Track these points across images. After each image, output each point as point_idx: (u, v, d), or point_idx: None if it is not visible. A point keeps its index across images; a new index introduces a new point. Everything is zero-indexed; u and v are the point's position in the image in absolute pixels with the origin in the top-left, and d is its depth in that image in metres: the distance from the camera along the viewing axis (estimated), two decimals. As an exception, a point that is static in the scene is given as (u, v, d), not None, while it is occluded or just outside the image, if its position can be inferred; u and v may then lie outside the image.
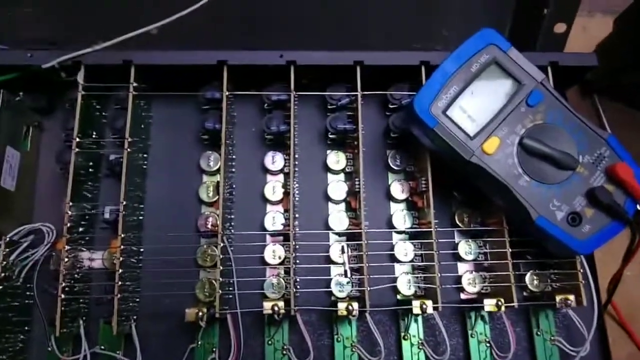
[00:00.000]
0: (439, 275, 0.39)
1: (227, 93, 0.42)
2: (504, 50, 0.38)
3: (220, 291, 0.38)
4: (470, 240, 0.44)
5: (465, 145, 0.37)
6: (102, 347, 0.40)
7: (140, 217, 0.43)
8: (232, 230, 0.43)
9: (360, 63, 0.43)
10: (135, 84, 0.41)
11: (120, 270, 0.38)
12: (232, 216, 0.44)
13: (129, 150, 0.40)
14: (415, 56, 0.43)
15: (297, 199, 0.43)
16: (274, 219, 0.44)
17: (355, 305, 0.39)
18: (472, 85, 0.38)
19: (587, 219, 0.37)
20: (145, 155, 0.45)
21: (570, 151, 0.37)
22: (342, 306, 0.39)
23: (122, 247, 0.38)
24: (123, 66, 0.42)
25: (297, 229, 0.41)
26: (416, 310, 0.39)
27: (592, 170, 0.37)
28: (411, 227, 0.44)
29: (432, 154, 0.42)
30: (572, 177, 0.37)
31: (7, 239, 0.38)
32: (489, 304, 0.40)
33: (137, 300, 0.41)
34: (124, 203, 0.39)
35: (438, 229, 0.41)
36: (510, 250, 0.40)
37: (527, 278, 0.43)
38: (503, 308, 0.39)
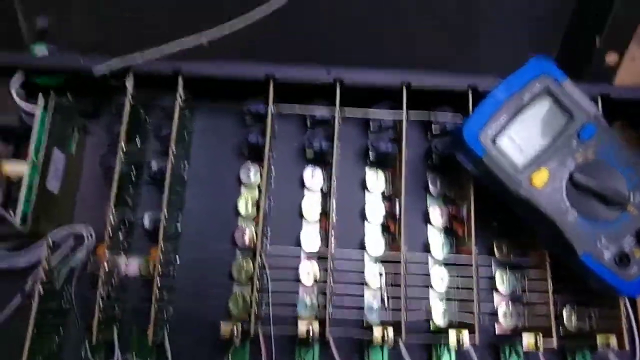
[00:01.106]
0: (479, 310, 0.39)
1: (272, 108, 0.42)
2: (557, 81, 0.37)
3: (256, 310, 0.38)
4: (508, 271, 0.43)
5: (514, 177, 0.36)
6: (135, 355, 0.40)
7: (178, 228, 0.43)
8: (268, 246, 0.43)
9: (408, 85, 0.42)
10: (182, 95, 0.42)
11: (158, 279, 0.38)
12: (269, 230, 0.44)
13: (173, 161, 0.40)
14: (463, 80, 0.43)
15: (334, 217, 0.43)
16: (310, 236, 0.43)
17: (390, 333, 0.38)
18: (522, 115, 0.37)
19: (636, 260, 0.36)
20: (186, 165, 0.45)
21: (621, 189, 0.36)
22: (377, 334, 0.38)
23: (161, 257, 0.38)
24: (172, 75, 0.42)
25: (334, 251, 0.41)
26: (452, 342, 0.38)
27: (644, 210, 0.36)
28: (450, 254, 0.43)
29: (475, 181, 0.41)
30: (622, 215, 0.36)
31: (51, 242, 0.39)
32: (527, 341, 0.39)
33: (171, 309, 0.42)
34: (166, 213, 0.39)
35: (479, 261, 0.40)
36: (551, 287, 0.39)
37: (565, 315, 0.41)
38: (541, 349, 0.38)
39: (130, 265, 0.42)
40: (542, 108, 0.37)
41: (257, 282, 0.39)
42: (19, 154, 0.43)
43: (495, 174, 0.36)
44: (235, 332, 0.37)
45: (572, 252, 0.36)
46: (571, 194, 0.36)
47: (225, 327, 0.38)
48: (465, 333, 0.38)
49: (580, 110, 0.37)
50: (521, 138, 0.37)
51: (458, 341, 0.38)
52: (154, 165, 0.43)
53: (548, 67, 0.38)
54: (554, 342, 0.38)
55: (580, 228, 0.36)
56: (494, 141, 0.37)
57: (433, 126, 0.44)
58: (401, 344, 0.39)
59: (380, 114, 0.44)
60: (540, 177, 0.36)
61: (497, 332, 0.42)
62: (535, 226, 0.39)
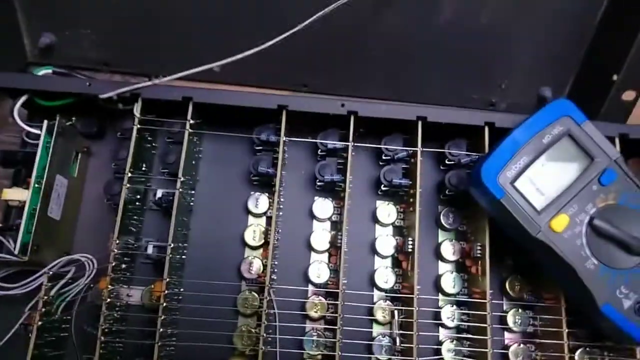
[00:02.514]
0: (492, 350, 0.38)
1: (284, 138, 0.41)
2: (578, 123, 0.37)
3: (263, 348, 0.37)
4: (520, 310, 0.42)
5: (532, 220, 0.35)
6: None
7: (184, 257, 0.42)
8: (276, 279, 0.42)
9: (423, 119, 0.41)
10: (192, 121, 0.40)
11: (163, 317, 0.37)
12: (276, 262, 0.43)
13: (180, 190, 0.39)
14: (480, 116, 0.42)
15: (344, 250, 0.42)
16: (318, 269, 0.42)
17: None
18: (542, 157, 0.36)
19: (655, 309, 0.35)
20: (192, 192, 0.43)
21: (642, 236, 0.35)
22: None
23: (166, 291, 0.37)
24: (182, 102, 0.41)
25: (344, 287, 0.39)
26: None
27: (665, 258, 0.35)
28: (461, 293, 0.42)
29: (490, 218, 0.40)
30: (642, 263, 0.35)
31: (50, 272, 0.37)
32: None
33: (174, 341, 0.40)
34: (172, 245, 0.38)
35: (492, 300, 0.39)
36: (566, 330, 0.38)
37: (578, 358, 0.41)
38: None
39: (133, 296, 0.41)
40: (562, 151, 0.36)
41: (264, 320, 0.38)
42: (20, 177, 0.42)
43: (513, 217, 0.36)
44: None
45: (590, 301, 0.35)
46: (591, 240, 0.35)
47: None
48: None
49: (601, 154, 0.36)
50: (540, 181, 0.36)
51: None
52: (159, 193, 0.42)
53: (569, 109, 0.37)
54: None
55: (600, 276, 0.35)
56: (512, 183, 0.36)
57: (447, 159, 0.43)
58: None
59: (395, 146, 0.43)
60: (560, 222, 0.35)
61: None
62: (551, 271, 0.38)
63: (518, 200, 0.36)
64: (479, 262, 0.40)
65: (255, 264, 0.42)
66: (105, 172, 0.44)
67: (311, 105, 0.41)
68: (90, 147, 0.45)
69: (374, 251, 0.44)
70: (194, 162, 0.43)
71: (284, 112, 0.41)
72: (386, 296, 0.42)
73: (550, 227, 0.35)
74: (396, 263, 0.43)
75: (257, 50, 0.40)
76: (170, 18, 0.47)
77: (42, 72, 0.43)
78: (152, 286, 0.40)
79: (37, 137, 0.39)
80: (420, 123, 0.41)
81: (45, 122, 0.39)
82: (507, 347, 0.42)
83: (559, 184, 0.36)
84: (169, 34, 0.48)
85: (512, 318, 0.42)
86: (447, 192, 0.44)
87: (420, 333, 0.38)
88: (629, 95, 0.45)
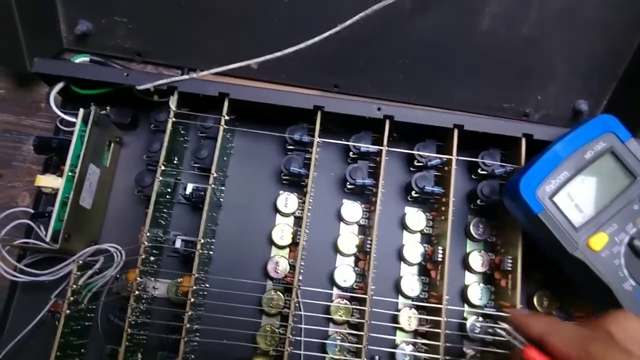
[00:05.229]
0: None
1: (318, 140, 0.40)
2: (622, 141, 0.36)
3: (289, 350, 0.37)
4: (547, 326, 0.41)
5: (570, 237, 0.35)
6: (158, 384, 0.38)
7: (211, 252, 0.42)
8: (301, 281, 0.41)
9: (460, 127, 0.41)
10: (227, 117, 0.40)
11: (190, 312, 0.36)
12: (302, 263, 0.42)
13: (212, 185, 0.39)
14: (517, 127, 0.41)
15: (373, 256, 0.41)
16: (345, 273, 0.42)
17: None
18: (583, 173, 0.36)
19: (692, 336, 0.34)
20: (222, 188, 0.43)
21: (683, 260, 0.35)
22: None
23: (194, 287, 0.37)
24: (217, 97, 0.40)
25: (372, 293, 0.39)
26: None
27: None
28: (488, 305, 0.41)
29: (523, 231, 0.39)
30: (681, 288, 0.34)
31: (80, 262, 0.37)
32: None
33: (197, 336, 0.40)
34: (202, 241, 0.38)
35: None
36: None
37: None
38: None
39: (159, 289, 0.41)
40: (604, 167, 0.36)
41: (292, 321, 0.37)
42: (51, 164, 0.42)
43: (550, 232, 0.35)
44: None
45: (625, 322, 0.34)
46: (630, 260, 0.34)
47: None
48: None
49: (644, 173, 0.35)
50: (580, 197, 0.35)
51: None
52: (190, 187, 0.42)
53: (613, 125, 0.36)
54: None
55: (636, 297, 0.34)
56: (551, 198, 0.35)
57: (480, 169, 0.43)
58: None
59: (428, 152, 0.42)
60: (599, 241, 0.34)
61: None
62: (586, 289, 0.38)
63: (556, 215, 0.35)
64: (509, 275, 0.40)
65: (281, 263, 0.42)
66: (135, 163, 0.44)
67: (347, 107, 0.41)
68: (122, 137, 0.45)
69: (400, 258, 0.43)
70: (225, 158, 0.43)
71: (319, 113, 0.41)
72: (412, 304, 0.42)
73: (588, 245, 0.35)
74: (423, 271, 0.43)
75: (298, 48, 0.39)
76: (206, 13, 0.46)
77: (80, 59, 0.42)
78: (180, 280, 0.40)
79: (71, 124, 0.39)
80: (456, 131, 0.41)
81: (81, 110, 0.38)
82: (531, 363, 0.41)
83: (598, 201, 0.35)
84: (204, 28, 0.47)
85: (538, 334, 0.41)
86: (478, 202, 0.43)
87: (446, 344, 0.38)
88: (671, 113, 0.44)
